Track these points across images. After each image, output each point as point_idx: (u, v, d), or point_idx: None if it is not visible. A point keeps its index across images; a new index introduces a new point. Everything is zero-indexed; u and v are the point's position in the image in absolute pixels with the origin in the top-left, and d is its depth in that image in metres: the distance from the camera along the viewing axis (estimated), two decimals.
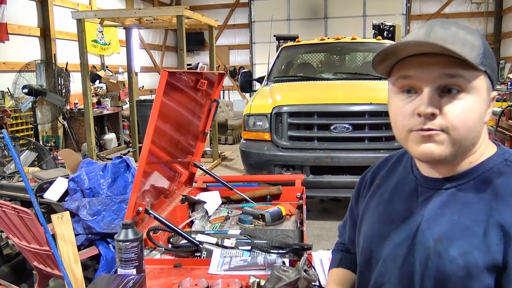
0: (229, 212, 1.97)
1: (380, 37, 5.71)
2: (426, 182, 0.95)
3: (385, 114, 4.10)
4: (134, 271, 1.21)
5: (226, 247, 1.40)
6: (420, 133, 0.86)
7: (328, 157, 4.11)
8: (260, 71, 10.06)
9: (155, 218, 1.47)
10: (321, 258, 1.83)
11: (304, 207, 1.98)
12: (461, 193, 0.89)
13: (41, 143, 7.49)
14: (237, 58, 13.35)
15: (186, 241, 1.48)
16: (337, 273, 1.21)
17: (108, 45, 9.79)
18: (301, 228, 1.68)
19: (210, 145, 8.02)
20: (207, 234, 1.51)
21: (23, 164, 4.66)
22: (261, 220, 1.80)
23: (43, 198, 3.37)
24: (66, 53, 8.06)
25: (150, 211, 1.45)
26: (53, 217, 3.01)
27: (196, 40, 12.55)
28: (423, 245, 0.90)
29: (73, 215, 2.88)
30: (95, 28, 9.06)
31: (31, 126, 6.80)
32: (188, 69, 11.89)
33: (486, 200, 0.86)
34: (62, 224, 2.56)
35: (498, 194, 0.85)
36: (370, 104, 4.04)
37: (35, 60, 6.26)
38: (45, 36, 7.81)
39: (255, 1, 12.12)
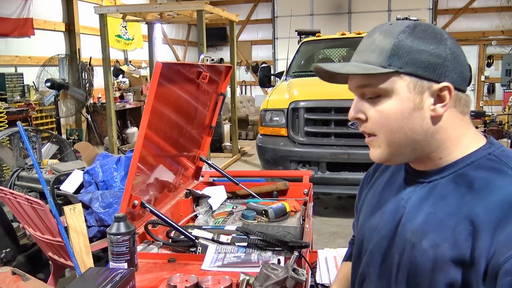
0: (234, 207, 1.95)
1: None
2: (413, 175, 0.96)
3: None
4: (125, 265, 1.20)
5: (221, 243, 1.38)
6: (366, 139, 0.95)
7: (345, 154, 4.04)
8: (282, 66, 10.00)
9: (151, 211, 1.45)
10: (326, 256, 1.78)
11: (310, 204, 1.94)
12: (440, 186, 0.89)
13: (65, 136, 7.66)
14: (260, 54, 13.30)
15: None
16: (344, 267, 1.23)
17: (132, 40, 9.90)
18: (303, 225, 1.64)
19: (230, 140, 8.03)
20: (205, 229, 1.49)
21: (44, 156, 4.75)
22: (264, 216, 1.77)
23: (60, 190, 3.42)
24: (90, 48, 8.18)
25: (146, 204, 1.43)
26: (66, 208, 3.04)
27: (219, 35, 12.54)
28: (402, 237, 0.91)
29: (87, 207, 2.91)
30: (119, 23, 9.17)
31: (55, 119, 6.93)
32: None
33: (461, 193, 0.85)
34: (74, 215, 2.59)
35: (473, 187, 0.84)
36: None
37: (58, 55, 6.38)
38: (70, 31, 7.94)
39: None
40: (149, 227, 1.50)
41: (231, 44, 7.35)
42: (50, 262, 2.92)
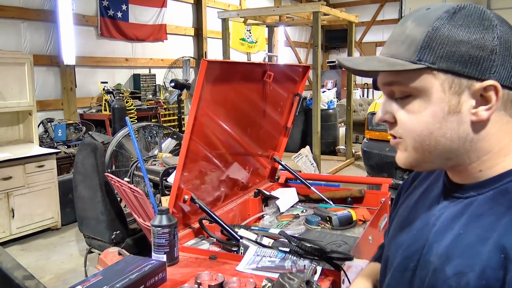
0: (304, 210, 1.89)
1: None
2: (450, 188, 0.82)
3: None
4: (164, 257, 1.24)
5: (263, 246, 1.35)
6: (391, 141, 0.83)
7: None
8: None
9: (200, 207, 1.48)
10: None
11: (384, 215, 1.78)
12: (476, 204, 0.76)
13: None
14: None
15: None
16: (371, 266, 1.13)
17: (255, 43, 10.27)
18: (361, 236, 1.51)
19: (345, 144, 7.85)
20: (251, 230, 1.47)
21: (165, 150, 5.16)
22: (329, 222, 1.69)
23: (167, 181, 3.67)
24: (215, 51, 8.70)
25: (196, 200, 1.47)
26: (163, 198, 3.26)
27: (343, 37, 12.31)
28: (426, 260, 0.79)
29: None
30: (243, 27, 9.59)
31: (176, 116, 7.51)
32: (329, 67, 11.77)
33: (498, 214, 0.72)
34: None
35: None
36: None
37: (183, 57, 6.90)
38: (198, 35, 8.54)
39: None
40: (206, 223, 1.53)
41: (349, 46, 7.18)
42: None
